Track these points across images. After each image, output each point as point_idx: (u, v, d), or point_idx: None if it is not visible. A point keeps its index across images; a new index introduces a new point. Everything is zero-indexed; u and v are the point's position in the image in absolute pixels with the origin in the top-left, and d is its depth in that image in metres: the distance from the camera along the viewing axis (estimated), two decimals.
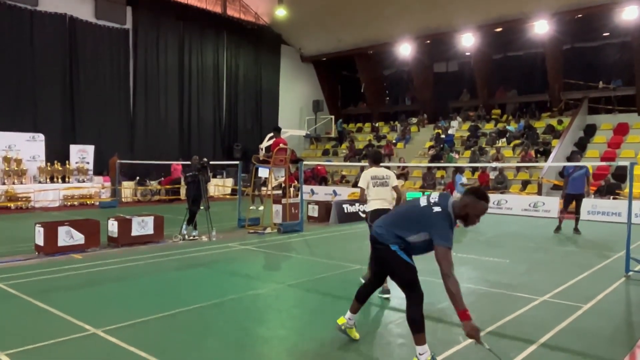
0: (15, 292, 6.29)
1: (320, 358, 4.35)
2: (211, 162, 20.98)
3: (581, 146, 20.98)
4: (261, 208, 12.72)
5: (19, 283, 6.78)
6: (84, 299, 6.09)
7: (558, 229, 12.57)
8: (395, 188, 6.89)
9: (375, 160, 7.06)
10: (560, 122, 21.88)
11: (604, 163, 11.14)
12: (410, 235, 4.32)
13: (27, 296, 6.10)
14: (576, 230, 12.38)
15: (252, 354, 4.47)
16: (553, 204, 16.23)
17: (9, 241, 10.19)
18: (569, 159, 14.48)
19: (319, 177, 24.64)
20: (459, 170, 13.48)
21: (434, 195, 4.38)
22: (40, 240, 8.74)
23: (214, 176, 22.64)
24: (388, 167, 7.45)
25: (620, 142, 20.29)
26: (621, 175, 17.92)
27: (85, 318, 5.22)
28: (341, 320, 4.80)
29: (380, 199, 6.73)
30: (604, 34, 22.60)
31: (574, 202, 12.32)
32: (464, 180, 13.28)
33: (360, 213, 14.40)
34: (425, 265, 8.29)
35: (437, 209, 4.19)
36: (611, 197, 16.59)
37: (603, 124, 21.84)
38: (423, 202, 4.36)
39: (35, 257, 8.57)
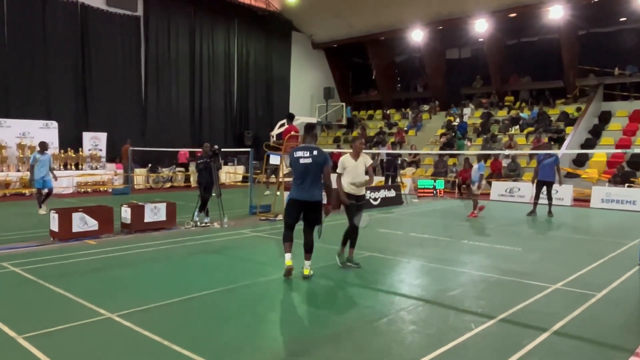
0: (32, 277, 6.39)
1: (332, 343, 4.37)
2: (222, 149, 21.22)
3: (596, 133, 20.74)
4: (267, 193, 12.75)
5: (34, 268, 6.88)
6: (98, 284, 6.17)
7: (532, 212, 13.21)
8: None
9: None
10: (578, 110, 21.56)
11: (619, 150, 10.99)
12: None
13: (42, 281, 6.20)
14: (550, 213, 12.91)
15: (265, 339, 4.50)
16: (567, 191, 16.09)
17: (25, 227, 10.33)
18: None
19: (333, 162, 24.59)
20: (481, 158, 13.20)
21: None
22: (55, 226, 8.85)
23: (225, 163, 22.77)
24: (399, 155, 7.58)
25: (636, 130, 20.00)
26: (636, 163, 17.71)
27: (99, 302, 5.29)
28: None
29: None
30: (621, 19, 22.17)
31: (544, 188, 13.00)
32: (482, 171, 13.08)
33: (371, 201, 14.39)
34: (436, 253, 8.30)
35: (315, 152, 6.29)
36: (626, 185, 16.40)
37: (618, 111, 21.52)
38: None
39: (50, 243, 8.68)
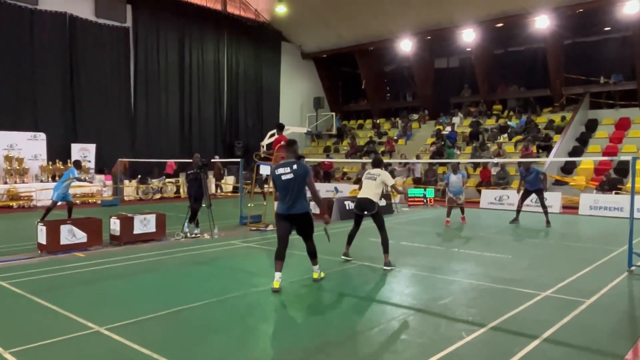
0: (19, 291, 6.30)
1: (322, 353, 4.35)
2: (217, 160, 21.14)
3: (583, 141, 20.97)
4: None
5: (22, 282, 6.79)
6: (87, 297, 6.09)
7: (515, 220, 13.28)
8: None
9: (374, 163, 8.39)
10: (563, 119, 21.83)
11: (605, 158, 11.09)
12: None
13: (30, 294, 6.11)
14: (547, 223, 12.79)
15: (256, 350, 4.47)
16: (555, 199, 16.22)
17: (12, 240, 10.20)
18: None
19: (323, 172, 24.68)
20: (457, 167, 13.39)
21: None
22: (42, 238, 8.75)
23: (220, 178, 22.86)
24: (390, 164, 7.96)
25: (622, 137, 20.27)
26: (623, 170, 17.91)
27: (88, 316, 5.22)
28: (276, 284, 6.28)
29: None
30: (605, 29, 22.55)
31: (534, 197, 13.20)
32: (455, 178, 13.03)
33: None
34: (427, 262, 8.32)
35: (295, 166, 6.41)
36: (613, 192, 16.57)
37: (604, 119, 21.81)
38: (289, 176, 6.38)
39: (38, 256, 8.57)
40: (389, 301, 6.04)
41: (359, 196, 8.05)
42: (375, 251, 8.17)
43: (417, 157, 22.84)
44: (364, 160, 21.49)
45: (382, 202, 7.42)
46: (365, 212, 7.86)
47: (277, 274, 6.35)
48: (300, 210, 6.43)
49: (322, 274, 6.95)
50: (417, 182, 20.91)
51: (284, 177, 6.37)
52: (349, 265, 7.97)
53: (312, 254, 6.78)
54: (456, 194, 13.10)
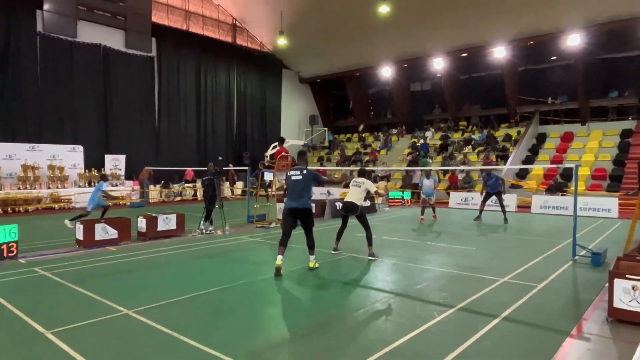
0: (59, 280, 6.24)
1: (318, 332, 4.33)
2: (230, 168, 21.11)
3: (534, 151, 21.09)
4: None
5: (62, 272, 6.73)
6: (117, 285, 6.05)
7: (478, 217, 13.45)
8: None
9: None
10: (519, 133, 21.97)
11: (553, 165, 11.13)
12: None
13: (69, 283, 6.06)
14: (505, 220, 12.88)
15: (262, 329, 4.45)
16: (511, 200, 16.29)
17: (54, 236, 10.12)
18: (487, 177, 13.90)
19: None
20: (426, 173, 13.59)
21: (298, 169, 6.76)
22: (80, 235, 8.69)
23: (233, 183, 22.84)
24: (373, 171, 8.06)
25: (567, 148, 20.42)
26: (568, 175, 18.05)
27: (118, 301, 5.19)
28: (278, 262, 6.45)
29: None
30: (552, 58, 22.75)
31: (494, 199, 13.17)
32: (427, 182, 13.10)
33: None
34: (404, 253, 8.31)
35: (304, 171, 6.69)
36: (560, 193, 16.67)
37: (552, 133, 21.96)
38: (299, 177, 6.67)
39: (76, 250, 8.51)
40: (373, 287, 6.03)
41: (345, 199, 8.11)
42: (361, 245, 8.17)
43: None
44: (352, 167, 21.52)
45: (367, 203, 7.50)
46: (350, 213, 7.93)
47: (279, 256, 6.53)
48: (303, 205, 6.66)
49: (317, 264, 6.98)
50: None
51: (293, 178, 6.74)
52: (339, 257, 7.96)
53: (311, 246, 6.89)
54: (428, 195, 13.13)
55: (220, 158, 10.84)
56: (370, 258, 7.65)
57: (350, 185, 8.27)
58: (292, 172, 6.82)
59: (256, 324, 4.60)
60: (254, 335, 4.27)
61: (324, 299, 5.62)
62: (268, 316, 4.91)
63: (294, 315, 4.98)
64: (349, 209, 7.92)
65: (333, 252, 8.21)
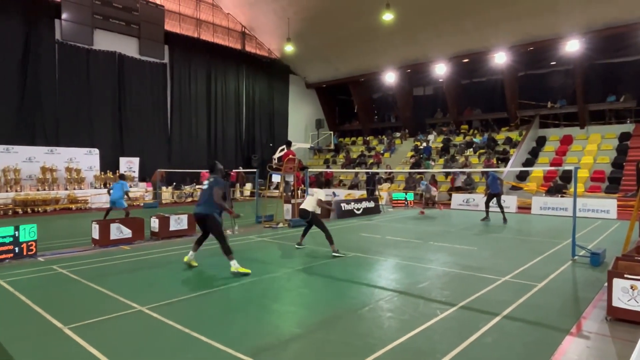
0: (76, 277, 6.30)
1: (324, 328, 4.34)
2: (241, 170, 21.23)
3: (534, 154, 20.95)
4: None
5: (78, 269, 6.79)
6: (131, 282, 6.09)
7: (486, 218, 13.44)
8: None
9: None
10: (520, 134, 21.83)
11: (553, 168, 11.05)
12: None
13: (85, 280, 6.11)
14: (504, 220, 12.96)
15: (270, 325, 4.45)
16: (512, 201, 16.19)
17: (71, 235, 10.21)
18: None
19: (325, 179, 24.71)
20: (424, 177, 14.17)
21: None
22: (96, 234, 8.76)
23: (243, 185, 22.95)
24: (377, 173, 8.31)
25: (566, 151, 20.25)
26: (567, 177, 17.90)
27: (132, 298, 5.22)
28: (186, 259, 6.92)
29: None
30: (551, 63, 22.60)
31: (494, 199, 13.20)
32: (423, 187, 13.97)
33: (354, 210, 14.40)
34: (408, 252, 8.29)
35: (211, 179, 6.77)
36: (559, 195, 16.54)
37: (551, 136, 21.80)
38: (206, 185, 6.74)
39: (91, 249, 8.58)
40: (377, 285, 6.02)
41: (300, 207, 8.55)
42: (367, 244, 8.16)
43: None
44: (357, 170, 21.51)
45: (318, 211, 8.34)
46: (304, 219, 8.46)
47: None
48: (202, 211, 6.72)
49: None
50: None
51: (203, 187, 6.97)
52: (347, 256, 7.94)
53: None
54: (425, 191, 13.47)
55: (240, 167, 11.02)
56: (334, 254, 7.85)
57: (306, 195, 8.87)
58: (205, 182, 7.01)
59: (264, 320, 4.61)
60: (262, 331, 4.27)
61: (330, 296, 5.61)
62: (275, 313, 4.91)
63: (300, 312, 4.97)
64: (302, 215, 8.42)
65: (296, 246, 8.63)
